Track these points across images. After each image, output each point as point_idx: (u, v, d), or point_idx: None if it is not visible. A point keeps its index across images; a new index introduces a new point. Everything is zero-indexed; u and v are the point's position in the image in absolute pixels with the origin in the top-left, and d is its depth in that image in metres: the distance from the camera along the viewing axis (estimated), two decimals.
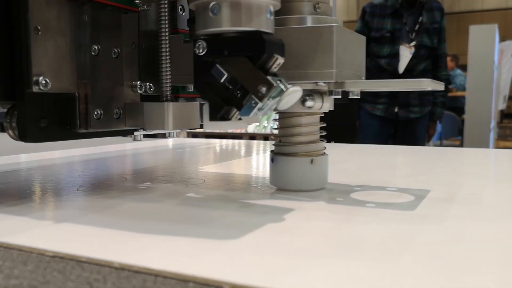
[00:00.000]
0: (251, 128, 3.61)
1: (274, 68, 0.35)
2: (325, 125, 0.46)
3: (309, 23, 0.41)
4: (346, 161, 0.69)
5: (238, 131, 3.63)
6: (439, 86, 0.40)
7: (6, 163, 0.67)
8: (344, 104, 2.16)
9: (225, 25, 0.34)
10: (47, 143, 0.39)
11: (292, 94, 0.34)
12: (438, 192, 0.45)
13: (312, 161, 0.43)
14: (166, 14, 0.41)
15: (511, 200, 0.42)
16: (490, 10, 8.23)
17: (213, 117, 0.36)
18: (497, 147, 4.51)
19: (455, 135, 4.61)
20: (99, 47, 0.41)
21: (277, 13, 0.41)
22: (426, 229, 0.32)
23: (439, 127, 4.01)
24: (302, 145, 0.44)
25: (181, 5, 0.49)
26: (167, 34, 0.42)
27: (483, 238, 0.31)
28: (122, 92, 0.43)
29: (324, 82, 0.41)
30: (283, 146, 0.45)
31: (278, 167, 0.45)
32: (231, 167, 0.64)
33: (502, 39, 5.09)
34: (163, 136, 1.00)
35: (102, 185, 0.50)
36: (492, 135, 4.12)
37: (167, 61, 0.42)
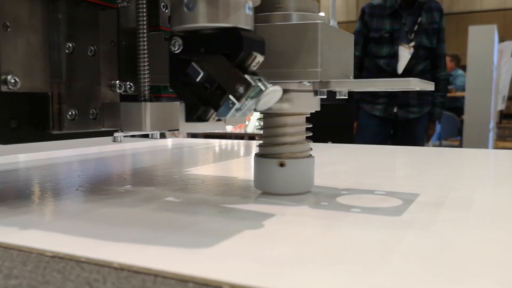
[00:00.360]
0: (251, 128, 3.58)
1: (253, 67, 0.33)
2: (310, 126, 0.44)
3: (294, 20, 0.40)
4: (339, 162, 0.67)
5: (237, 131, 3.60)
6: (428, 86, 0.39)
7: (5, 163, 0.66)
8: (341, 104, 2.15)
9: (201, 21, 0.32)
10: (43, 143, 0.38)
11: (272, 93, 0.32)
12: (428, 195, 0.43)
13: (281, 164, 0.42)
14: (144, 11, 0.40)
15: (503, 204, 0.41)
16: (489, 11, 8.21)
17: (189, 118, 0.34)
18: (496, 147, 4.50)
19: (455, 135, 4.60)
20: (74, 44, 0.39)
21: (262, 9, 0.39)
22: (410, 236, 0.31)
23: (438, 127, 4.00)
24: (274, 147, 0.42)
25: (164, 2, 0.48)
26: (145, 31, 0.40)
27: (470, 245, 0.29)
28: (99, 91, 0.42)
29: (309, 82, 0.39)
30: (262, 147, 0.43)
31: (257, 169, 0.43)
32: (222, 169, 0.63)
33: (501, 39, 5.08)
34: (147, 136, 0.98)
35: (101, 185, 0.49)
36: (491, 136, 4.11)
37: (145, 60, 0.40)
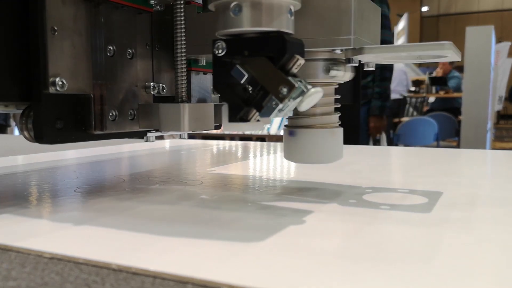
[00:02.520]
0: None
1: (295, 69, 0.35)
2: (339, 96, 0.45)
3: None
4: (355, 162, 0.69)
5: (234, 132, 3.61)
6: (456, 56, 0.40)
7: (3, 164, 0.67)
8: (347, 106, 2.15)
9: (246, 25, 0.34)
10: (43, 145, 0.38)
11: (314, 95, 0.34)
12: (452, 193, 0.44)
13: (332, 133, 0.43)
14: (182, 15, 0.41)
15: None
16: (486, 12, 8.26)
17: (232, 118, 0.36)
18: (493, 148, 4.52)
19: (452, 136, 4.62)
20: (114, 47, 0.41)
21: None
22: (449, 233, 0.32)
23: (435, 127, 4.01)
24: (321, 116, 0.43)
25: None
26: (183, 34, 0.41)
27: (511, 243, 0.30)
28: (136, 93, 0.43)
29: (341, 50, 0.41)
30: (300, 119, 0.43)
31: (297, 140, 0.43)
32: (235, 169, 0.64)
33: (498, 40, 5.11)
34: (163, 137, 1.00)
35: (99, 186, 0.50)
36: (489, 136, 4.13)
37: (183, 62, 0.42)
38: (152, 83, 0.45)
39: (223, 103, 0.36)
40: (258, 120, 0.37)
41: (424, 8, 9.40)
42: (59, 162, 0.69)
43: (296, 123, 0.43)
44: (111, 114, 0.40)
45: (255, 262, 0.26)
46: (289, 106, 0.34)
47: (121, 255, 0.27)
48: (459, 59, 0.40)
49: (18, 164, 0.69)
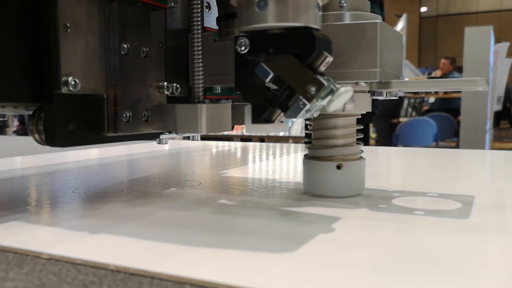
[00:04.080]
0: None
1: (323, 67, 0.33)
2: (361, 127, 0.43)
3: (347, 20, 0.39)
4: (375, 164, 0.67)
5: (234, 133, 3.58)
6: (487, 86, 0.38)
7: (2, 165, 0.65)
8: None
9: (271, 20, 0.32)
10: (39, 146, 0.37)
11: (344, 94, 0.32)
12: (484, 198, 0.42)
13: (338, 166, 0.41)
14: (199, 11, 0.39)
15: None
16: (485, 12, 8.25)
17: (256, 119, 0.34)
18: (493, 148, 4.52)
19: (451, 136, 4.61)
20: (128, 46, 0.39)
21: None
22: (492, 239, 0.30)
23: (435, 128, 4.00)
24: (329, 149, 0.42)
25: (207, 2, 0.47)
26: (199, 32, 0.39)
27: None
28: (150, 93, 0.41)
29: (366, 83, 0.39)
30: (312, 150, 0.43)
31: (310, 172, 0.43)
32: (245, 171, 0.62)
33: (497, 40, 5.10)
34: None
35: (97, 187, 0.49)
36: (488, 137, 4.12)
37: (200, 61, 0.40)
38: (165, 83, 0.43)
39: (240, 103, 0.34)
40: (282, 121, 0.35)
41: (423, 9, 9.38)
42: (59, 166, 0.67)
43: (317, 154, 0.43)
44: (125, 115, 0.38)
45: (280, 275, 0.24)
46: (317, 106, 0.32)
47: (118, 255, 0.27)
48: (487, 89, 0.39)
49: (15, 164, 0.67)
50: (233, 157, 0.81)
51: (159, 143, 0.46)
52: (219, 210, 0.39)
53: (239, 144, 1.03)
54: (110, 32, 0.38)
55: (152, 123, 0.41)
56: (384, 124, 4.10)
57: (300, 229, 0.33)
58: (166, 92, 0.43)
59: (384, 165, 0.69)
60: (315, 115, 0.34)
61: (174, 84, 0.44)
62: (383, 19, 0.41)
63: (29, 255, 0.27)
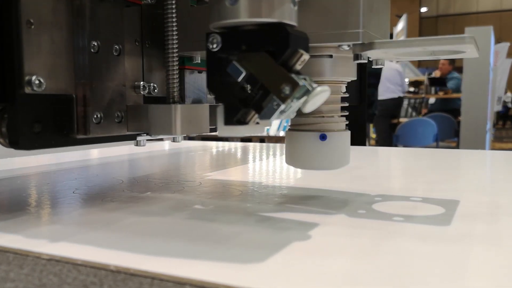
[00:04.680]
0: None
1: (298, 66, 0.31)
2: (347, 95, 0.41)
3: None
4: (361, 166, 0.65)
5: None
6: (478, 50, 0.36)
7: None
8: (354, 106, 2.12)
9: (244, 16, 0.30)
10: None
11: (320, 94, 0.30)
12: (468, 201, 0.41)
13: (322, 137, 0.39)
14: (174, 7, 0.37)
15: None
16: (485, 12, 8.23)
17: (228, 121, 0.32)
18: (493, 148, 4.50)
19: (451, 137, 4.59)
20: (99, 43, 0.37)
21: None
22: (477, 250, 0.28)
23: (435, 128, 3.98)
24: (310, 118, 0.39)
25: None
26: (174, 30, 0.38)
27: None
28: (124, 93, 0.39)
29: (348, 46, 0.37)
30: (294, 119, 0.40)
31: (289, 144, 0.40)
32: (233, 173, 0.60)
33: (497, 41, 5.08)
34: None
35: (97, 188, 0.48)
36: (488, 137, 4.10)
37: (175, 58, 0.38)
38: (142, 83, 0.41)
39: (218, 104, 0.33)
40: (257, 123, 0.33)
41: (423, 9, 9.34)
42: (59, 166, 0.65)
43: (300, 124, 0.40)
44: (95, 116, 0.37)
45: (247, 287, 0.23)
46: (292, 107, 0.31)
47: (119, 256, 0.27)
48: (477, 55, 0.36)
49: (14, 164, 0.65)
50: (226, 158, 0.79)
51: (136, 145, 0.45)
52: (194, 216, 0.37)
53: (239, 145, 1.01)
54: (79, 28, 0.36)
55: (126, 124, 0.39)
56: (384, 124, 4.08)
57: (274, 237, 0.31)
58: (142, 92, 0.42)
59: (376, 166, 0.67)
60: (291, 116, 0.32)
61: (152, 84, 0.42)
62: None
63: (30, 256, 0.27)
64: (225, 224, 0.34)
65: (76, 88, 0.36)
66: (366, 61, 0.39)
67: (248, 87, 0.31)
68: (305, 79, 0.30)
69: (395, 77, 4.01)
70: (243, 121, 0.32)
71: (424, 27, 9.13)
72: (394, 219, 0.35)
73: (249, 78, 0.31)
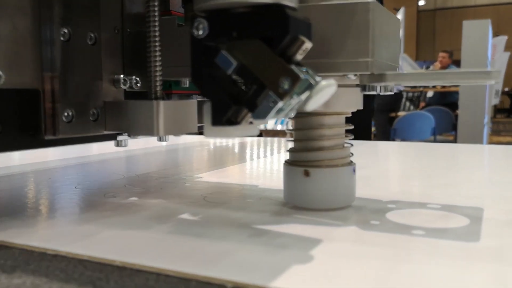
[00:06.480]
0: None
1: (299, 55, 0.26)
2: (351, 127, 0.37)
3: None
4: (366, 165, 0.60)
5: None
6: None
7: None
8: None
9: None
10: None
11: (325, 89, 0.26)
12: (493, 209, 0.36)
13: (306, 173, 0.35)
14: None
15: None
16: (483, 6, 8.18)
17: (217, 121, 0.27)
18: (491, 142, 4.47)
19: (449, 130, 4.56)
20: (70, 30, 0.32)
21: None
22: None
23: (432, 122, 3.95)
24: (298, 153, 0.36)
25: None
26: (156, 15, 0.33)
27: None
28: (100, 87, 0.35)
29: (355, 75, 0.32)
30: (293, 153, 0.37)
31: (287, 179, 0.37)
32: (232, 175, 0.56)
33: (495, 34, 5.04)
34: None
35: (99, 183, 0.47)
36: (486, 130, 4.07)
37: (157, 50, 0.33)
38: (122, 76, 0.37)
39: (205, 100, 0.28)
40: (251, 123, 0.28)
41: (421, 2, 9.27)
42: (60, 162, 0.60)
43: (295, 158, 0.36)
44: (66, 114, 0.32)
45: None
46: (292, 104, 0.26)
47: (124, 252, 0.27)
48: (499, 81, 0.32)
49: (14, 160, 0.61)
50: (222, 155, 0.74)
51: (117, 145, 0.40)
52: (178, 230, 0.32)
53: (236, 140, 0.96)
54: (46, 13, 0.31)
55: (103, 123, 0.35)
56: (383, 118, 4.05)
57: (268, 258, 0.26)
58: (123, 86, 0.37)
59: (380, 165, 0.63)
60: (291, 115, 0.28)
61: (133, 77, 0.38)
62: None
63: (36, 251, 0.28)
64: (212, 240, 0.30)
65: (43, 82, 0.31)
66: (375, 92, 0.34)
67: (240, 81, 0.27)
68: (307, 71, 0.26)
69: None
70: (234, 121, 0.27)
71: (422, 20, 9.07)
72: (413, 232, 0.30)
73: (241, 70, 0.26)
